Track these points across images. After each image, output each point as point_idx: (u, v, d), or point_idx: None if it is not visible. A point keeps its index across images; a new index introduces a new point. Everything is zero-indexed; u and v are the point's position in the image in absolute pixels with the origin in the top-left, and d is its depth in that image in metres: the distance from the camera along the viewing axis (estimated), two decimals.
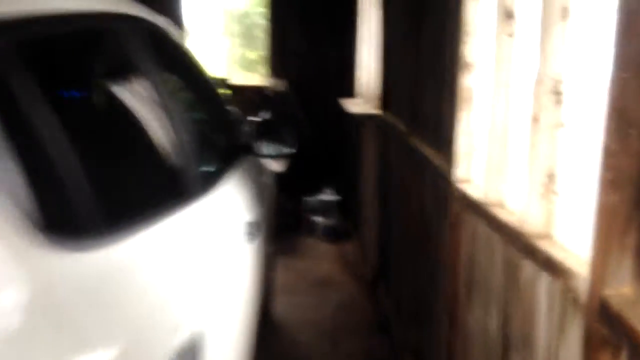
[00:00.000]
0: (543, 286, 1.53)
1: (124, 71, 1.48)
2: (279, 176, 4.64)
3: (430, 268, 2.56)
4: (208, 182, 1.76)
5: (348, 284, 4.06)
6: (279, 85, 5.57)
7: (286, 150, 2.45)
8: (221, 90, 5.61)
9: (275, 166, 4.28)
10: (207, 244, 1.56)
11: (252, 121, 2.58)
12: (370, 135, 4.21)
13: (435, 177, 2.42)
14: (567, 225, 1.50)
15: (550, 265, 1.44)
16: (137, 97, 1.48)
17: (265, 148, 2.44)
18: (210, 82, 2.49)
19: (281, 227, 4.65)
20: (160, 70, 1.66)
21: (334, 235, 4.91)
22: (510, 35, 1.71)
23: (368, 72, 4.27)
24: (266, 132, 2.45)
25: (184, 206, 1.48)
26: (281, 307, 3.57)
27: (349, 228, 4.92)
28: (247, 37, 6.87)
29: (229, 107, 4.96)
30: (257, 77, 5.97)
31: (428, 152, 2.54)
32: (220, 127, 2.51)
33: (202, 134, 2.28)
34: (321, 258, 4.54)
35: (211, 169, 2.04)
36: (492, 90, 1.81)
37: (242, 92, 5.68)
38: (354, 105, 4.26)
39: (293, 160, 5.17)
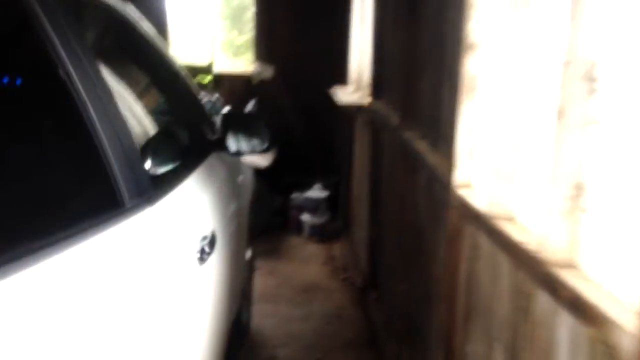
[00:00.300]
0: (564, 328, 1.19)
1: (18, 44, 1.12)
2: (263, 171, 4.30)
3: (424, 283, 2.22)
4: (157, 188, 1.40)
5: (336, 291, 3.72)
6: (267, 71, 5.21)
7: (257, 146, 2.10)
8: (204, 78, 5.27)
9: (259, 161, 3.93)
10: (133, 277, 1.18)
11: (223, 113, 2.22)
12: (362, 127, 3.86)
13: (431, 179, 2.07)
14: (599, 252, 1.16)
15: (577, 305, 1.10)
16: (41, 75, 1.13)
17: (235, 143, 2.09)
18: (177, 70, 2.13)
19: (266, 227, 4.33)
20: (92, 49, 1.31)
21: (322, 235, 4.56)
22: (527, 4, 1.35)
23: (360, 56, 3.90)
24: (236, 125, 2.10)
25: (107, 225, 1.12)
26: (261, 318, 3.23)
27: (339, 227, 4.58)
28: (235, 20, 6.46)
29: (204, 98, 4.60)
30: (244, 64, 5.59)
31: (423, 148, 2.19)
32: (187, 120, 2.16)
33: (158, 128, 1.92)
34: (308, 261, 4.20)
35: (165, 170, 1.69)
36: (504, 77, 1.46)
37: (227, 80, 5.32)
38: (345, 94, 3.90)
39: (280, 154, 4.83)
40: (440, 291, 1.96)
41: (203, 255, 1.52)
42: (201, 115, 2.25)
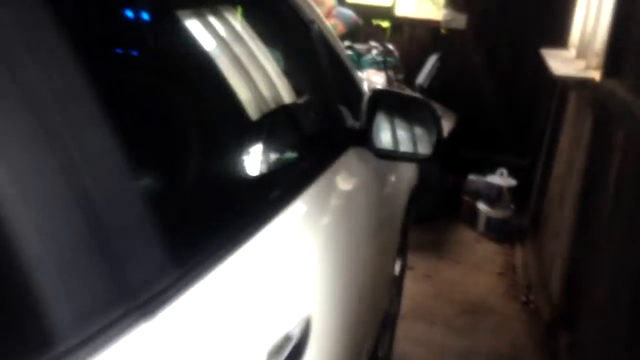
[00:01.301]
0: None
1: None
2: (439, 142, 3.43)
3: None
4: (186, 265, 0.71)
5: (512, 319, 2.85)
6: (459, 20, 4.26)
7: (418, 149, 1.33)
8: (383, 22, 4.46)
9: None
10: None
11: (372, 91, 1.45)
12: (579, 108, 2.84)
13: None
14: None
15: None
16: None
17: (383, 140, 1.34)
18: (311, 25, 1.39)
19: (431, 212, 3.53)
20: None
21: (501, 232, 3.64)
22: None
23: (588, 11, 2.83)
24: (389, 112, 1.34)
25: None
26: (407, 343, 2.51)
27: (525, 226, 3.62)
28: None
29: (373, 48, 3.77)
30: (431, 8, 4.66)
31: None
32: (318, 102, 1.43)
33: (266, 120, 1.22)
34: (478, 265, 3.34)
35: (255, 200, 0.99)
36: None
37: (408, 26, 4.47)
38: (560, 61, 2.87)
39: (460, 123, 3.93)
40: None
41: None
42: (346, 90, 1.50)
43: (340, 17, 3.94)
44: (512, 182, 3.74)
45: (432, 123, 1.35)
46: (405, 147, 1.37)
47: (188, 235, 0.76)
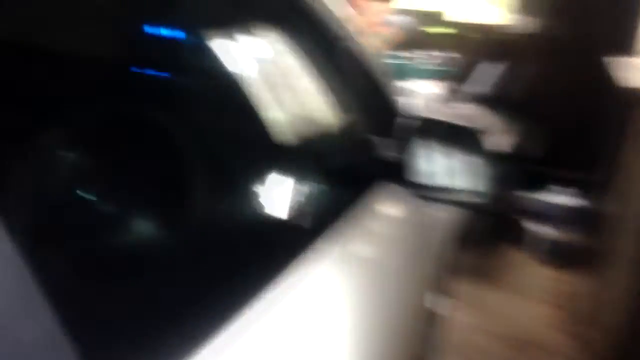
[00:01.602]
0: None
1: None
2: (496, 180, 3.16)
3: None
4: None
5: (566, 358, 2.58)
6: (526, 25, 3.96)
7: (473, 188, 1.14)
8: (434, 28, 4.19)
9: (495, 141, 2.86)
10: None
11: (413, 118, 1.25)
12: None
13: None
14: None
15: None
16: None
17: (425, 176, 1.15)
18: (339, 39, 1.21)
19: (480, 232, 3.26)
20: None
21: (560, 257, 3.34)
22: None
23: None
24: (435, 143, 1.15)
25: None
26: None
27: (588, 252, 3.30)
28: None
29: (423, 58, 3.55)
30: (494, 13, 4.36)
31: None
32: (344, 129, 1.24)
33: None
34: (532, 294, 3.06)
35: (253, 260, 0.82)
36: None
37: (469, 32, 4.19)
38: (633, 70, 2.58)
39: (524, 135, 3.63)
40: None
41: None
42: (379, 115, 1.31)
43: (395, 25, 3.74)
44: (575, 201, 3.43)
45: (486, 156, 1.14)
46: (450, 184, 1.17)
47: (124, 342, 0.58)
